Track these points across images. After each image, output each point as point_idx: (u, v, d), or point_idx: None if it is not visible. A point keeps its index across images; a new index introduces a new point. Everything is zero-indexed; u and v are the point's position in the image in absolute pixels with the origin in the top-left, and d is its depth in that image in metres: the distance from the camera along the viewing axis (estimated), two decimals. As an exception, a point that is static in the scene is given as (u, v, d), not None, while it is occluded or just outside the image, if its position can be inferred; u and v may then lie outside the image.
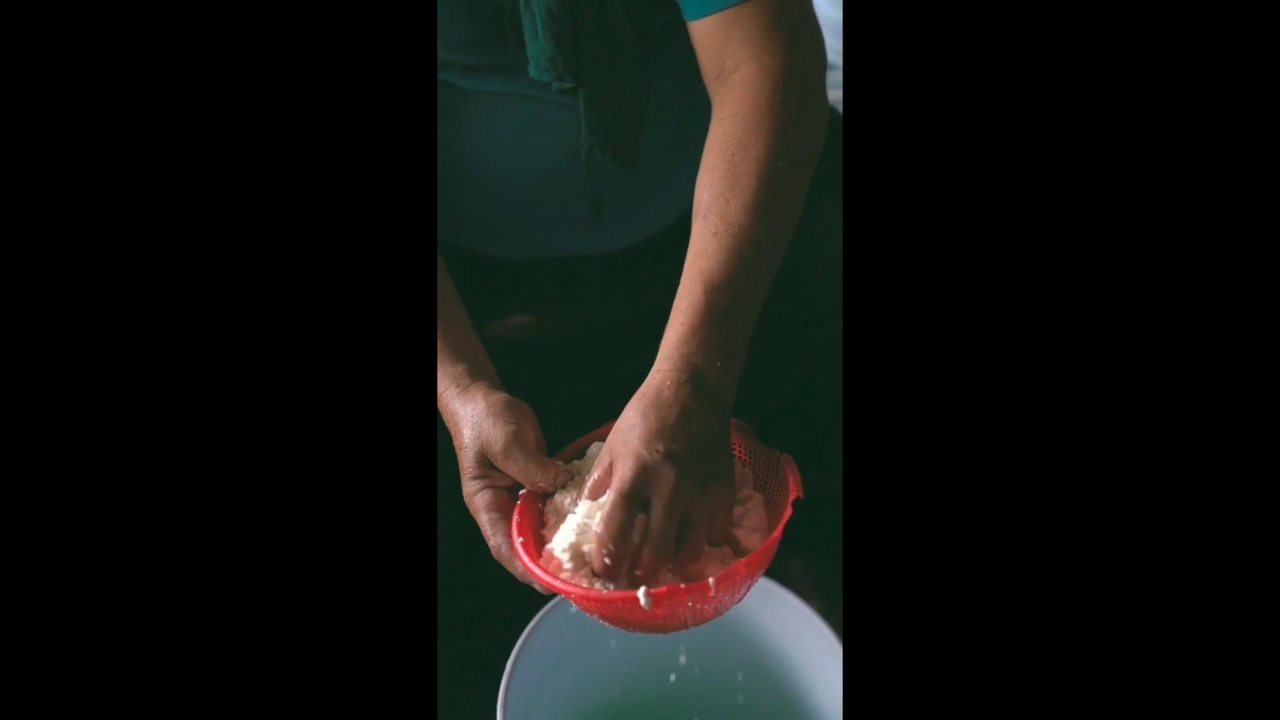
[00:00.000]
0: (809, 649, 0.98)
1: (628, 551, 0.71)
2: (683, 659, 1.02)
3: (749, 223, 0.78)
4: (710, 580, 0.70)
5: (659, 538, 0.71)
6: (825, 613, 0.99)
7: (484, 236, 1.07)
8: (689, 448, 0.72)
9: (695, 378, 0.74)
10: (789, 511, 0.75)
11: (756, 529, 0.77)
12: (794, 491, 0.76)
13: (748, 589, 0.75)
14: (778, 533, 0.74)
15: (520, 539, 0.76)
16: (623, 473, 0.71)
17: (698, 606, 0.72)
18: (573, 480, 0.79)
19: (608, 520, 0.71)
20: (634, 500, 0.71)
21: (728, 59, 0.86)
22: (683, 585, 0.70)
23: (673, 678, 1.02)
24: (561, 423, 0.84)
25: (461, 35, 0.92)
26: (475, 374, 0.82)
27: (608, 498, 0.71)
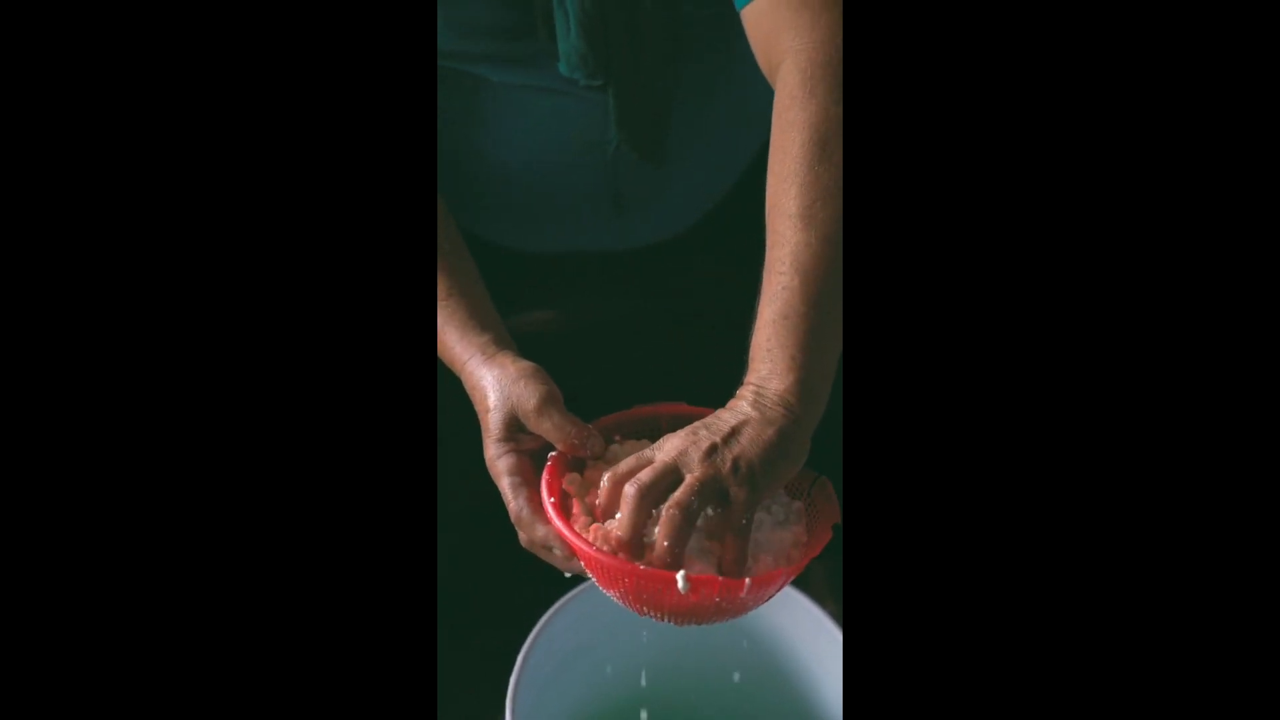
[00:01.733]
0: (820, 651, 0.98)
1: (619, 490, 0.72)
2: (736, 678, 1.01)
3: (804, 238, 0.76)
4: (747, 580, 0.70)
5: (640, 476, 0.71)
6: (839, 616, 0.98)
7: (504, 229, 1.07)
8: (739, 424, 0.72)
9: (758, 385, 0.74)
10: (828, 535, 0.75)
11: (796, 541, 0.77)
12: (833, 515, 0.76)
13: (768, 598, 0.75)
14: (816, 551, 0.74)
15: (551, 499, 0.75)
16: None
17: (724, 603, 0.71)
18: (608, 451, 0.79)
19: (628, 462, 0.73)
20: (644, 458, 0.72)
21: (773, 51, 0.85)
22: (720, 578, 0.70)
23: (737, 676, 1.01)
24: (580, 417, 0.84)
25: (488, 24, 0.91)
26: (500, 344, 0.83)
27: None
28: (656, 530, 0.70)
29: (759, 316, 0.76)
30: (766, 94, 1.05)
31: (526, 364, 0.80)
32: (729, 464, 0.70)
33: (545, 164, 1.00)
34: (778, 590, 0.75)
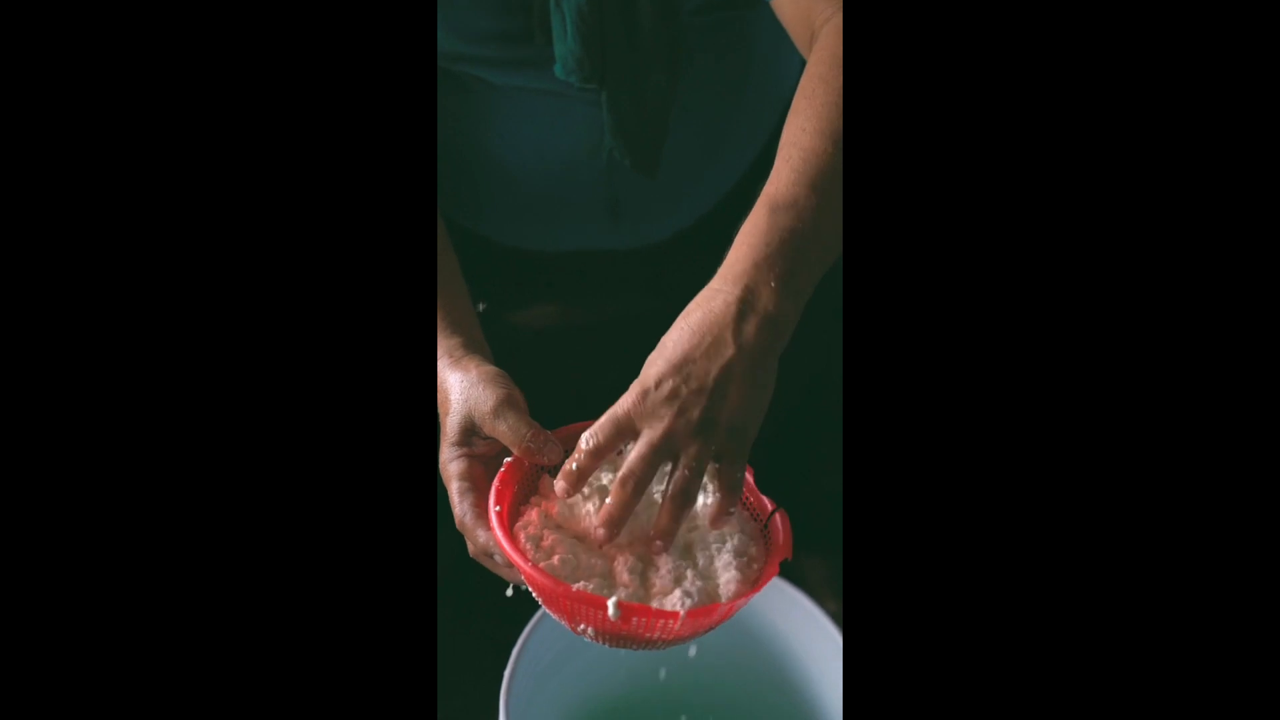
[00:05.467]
0: (816, 651, 0.97)
1: (591, 469, 0.71)
2: (693, 652, 1.00)
3: (822, 146, 0.75)
4: (680, 611, 0.68)
5: (631, 465, 0.70)
6: (838, 616, 0.98)
7: (505, 227, 1.07)
8: (722, 374, 0.70)
9: (746, 294, 0.71)
10: (774, 572, 0.72)
11: (747, 564, 0.74)
12: (783, 552, 0.73)
13: (709, 629, 0.73)
14: (757, 589, 0.71)
15: (497, 508, 0.72)
16: (624, 398, 0.71)
17: (653, 635, 0.69)
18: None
19: (591, 433, 0.71)
20: (624, 427, 0.71)
21: (815, 18, 0.83)
22: (652, 608, 0.68)
23: (662, 673, 1.00)
24: (576, 414, 0.83)
25: (489, 29, 0.92)
26: (470, 348, 0.82)
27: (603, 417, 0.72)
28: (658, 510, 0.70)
29: (758, 215, 0.75)
30: (765, 101, 1.05)
31: (490, 368, 0.79)
32: (721, 434, 0.70)
33: (545, 166, 1.01)
34: (714, 626, 0.72)
